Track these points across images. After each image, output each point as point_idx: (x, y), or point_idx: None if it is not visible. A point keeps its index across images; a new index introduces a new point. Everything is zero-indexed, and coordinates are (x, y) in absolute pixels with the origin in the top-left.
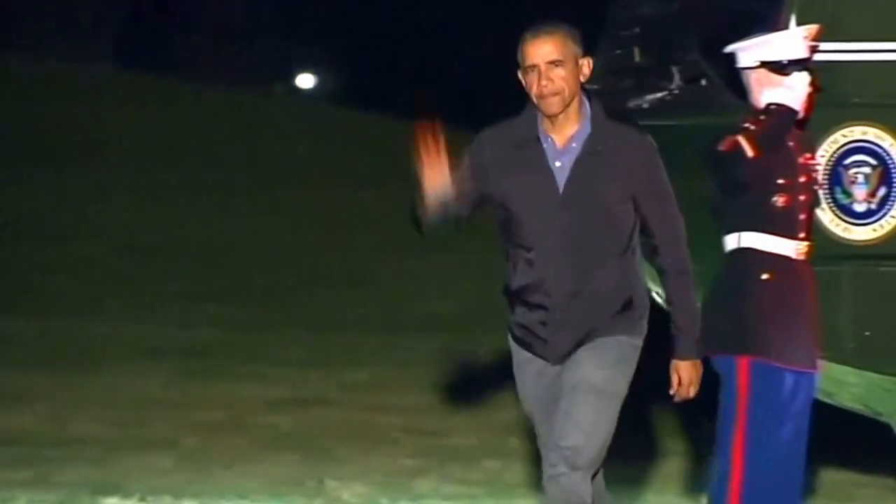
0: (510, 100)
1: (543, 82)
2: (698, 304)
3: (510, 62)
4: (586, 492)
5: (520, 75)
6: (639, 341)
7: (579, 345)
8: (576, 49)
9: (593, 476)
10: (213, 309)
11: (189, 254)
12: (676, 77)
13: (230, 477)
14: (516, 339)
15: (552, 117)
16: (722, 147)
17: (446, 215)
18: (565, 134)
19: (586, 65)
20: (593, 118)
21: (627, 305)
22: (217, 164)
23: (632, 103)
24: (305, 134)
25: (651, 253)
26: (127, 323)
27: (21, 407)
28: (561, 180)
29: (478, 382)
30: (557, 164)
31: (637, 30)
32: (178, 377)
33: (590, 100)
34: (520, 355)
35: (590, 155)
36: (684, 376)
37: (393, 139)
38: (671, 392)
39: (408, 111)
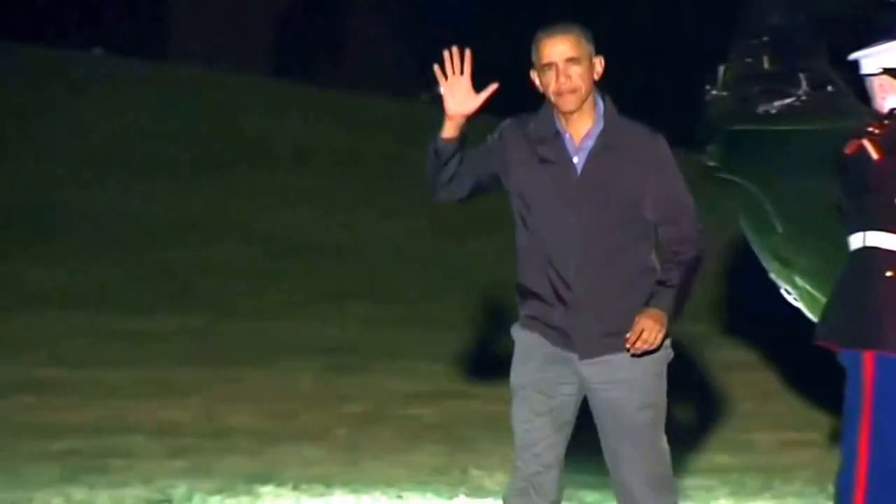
0: None
1: (561, 79)
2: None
3: None
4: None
5: (533, 75)
6: (669, 342)
7: (605, 339)
8: (590, 48)
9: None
10: (359, 307)
11: (336, 254)
12: (804, 83)
13: (378, 466)
14: (532, 329)
15: (568, 114)
16: (847, 150)
17: (460, 147)
18: (580, 130)
19: (599, 63)
20: (606, 115)
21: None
22: (359, 169)
23: (761, 109)
24: None
25: (660, 234)
26: (277, 321)
27: (179, 400)
28: (577, 174)
29: None
30: (574, 159)
31: (766, 38)
32: (326, 372)
33: (603, 98)
34: (531, 341)
35: (603, 150)
36: (646, 324)
37: None
38: (626, 336)
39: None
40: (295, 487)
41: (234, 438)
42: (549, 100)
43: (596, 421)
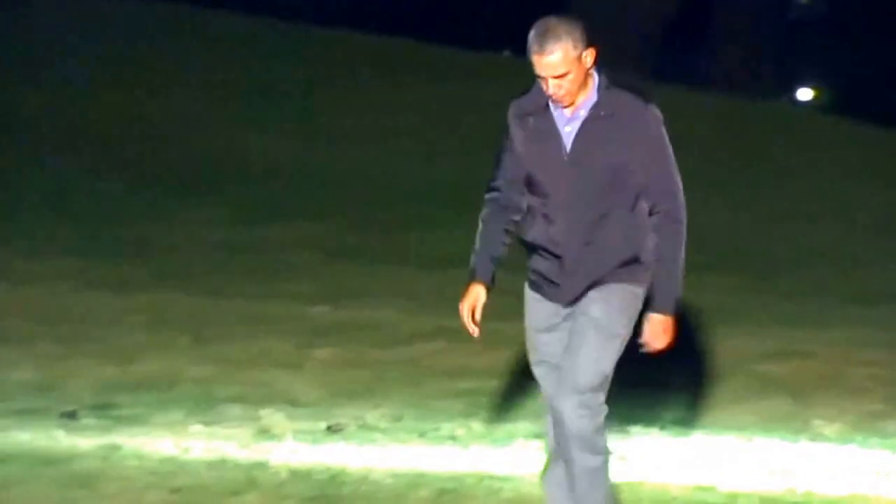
0: None
1: (552, 90)
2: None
3: None
4: (588, 417)
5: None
6: (641, 290)
7: (587, 290)
8: (578, 52)
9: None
10: (714, 277)
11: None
12: None
13: (731, 413)
14: (531, 283)
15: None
16: None
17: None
18: (574, 103)
19: (590, 55)
20: (599, 88)
21: (634, 259)
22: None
23: None
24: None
25: (649, 212)
26: None
27: None
28: (568, 143)
29: None
30: (567, 128)
31: None
32: (683, 330)
33: (599, 72)
34: (532, 296)
35: (595, 120)
36: (655, 329)
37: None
38: (639, 342)
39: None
40: (662, 428)
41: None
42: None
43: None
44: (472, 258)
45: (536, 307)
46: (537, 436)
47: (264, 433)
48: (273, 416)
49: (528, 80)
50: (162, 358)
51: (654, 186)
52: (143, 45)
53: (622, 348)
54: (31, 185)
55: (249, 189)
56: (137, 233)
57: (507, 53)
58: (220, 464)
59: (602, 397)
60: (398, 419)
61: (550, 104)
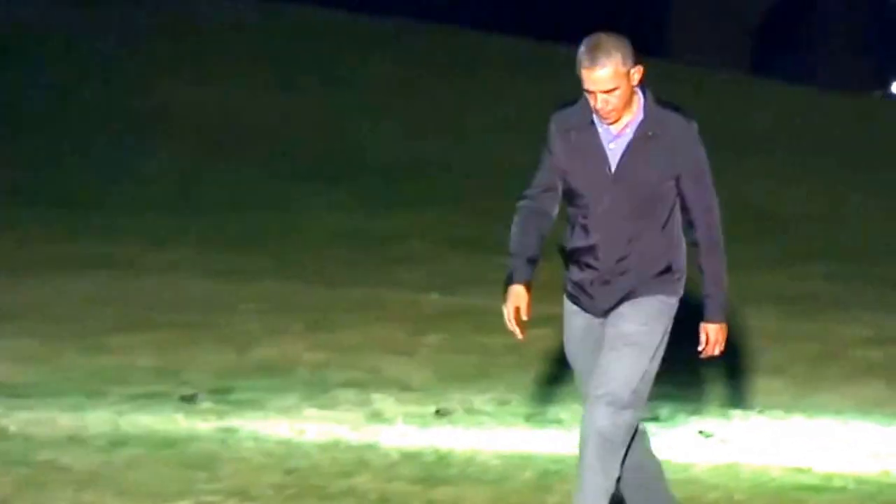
0: None
1: (600, 105)
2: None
3: None
4: (619, 427)
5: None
6: (674, 300)
7: (621, 302)
8: (627, 68)
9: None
10: (818, 266)
11: (806, 221)
12: None
13: (829, 398)
14: (569, 295)
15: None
16: None
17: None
18: (621, 122)
19: (637, 73)
20: (646, 107)
21: (667, 270)
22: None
23: None
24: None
25: (687, 226)
26: (749, 273)
27: None
28: (614, 160)
29: None
30: (612, 146)
31: None
32: (783, 317)
33: (644, 91)
34: (569, 308)
35: (641, 139)
36: (711, 336)
37: None
38: (699, 349)
39: None
40: (760, 412)
41: (713, 370)
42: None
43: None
44: (510, 262)
45: (573, 320)
46: (644, 419)
47: (375, 416)
48: (384, 401)
49: (651, 80)
50: (278, 344)
51: (694, 203)
52: (274, 45)
53: (660, 357)
54: (160, 177)
55: (370, 180)
56: (258, 223)
57: None
58: (333, 446)
59: (634, 414)
60: (505, 403)
61: (595, 120)
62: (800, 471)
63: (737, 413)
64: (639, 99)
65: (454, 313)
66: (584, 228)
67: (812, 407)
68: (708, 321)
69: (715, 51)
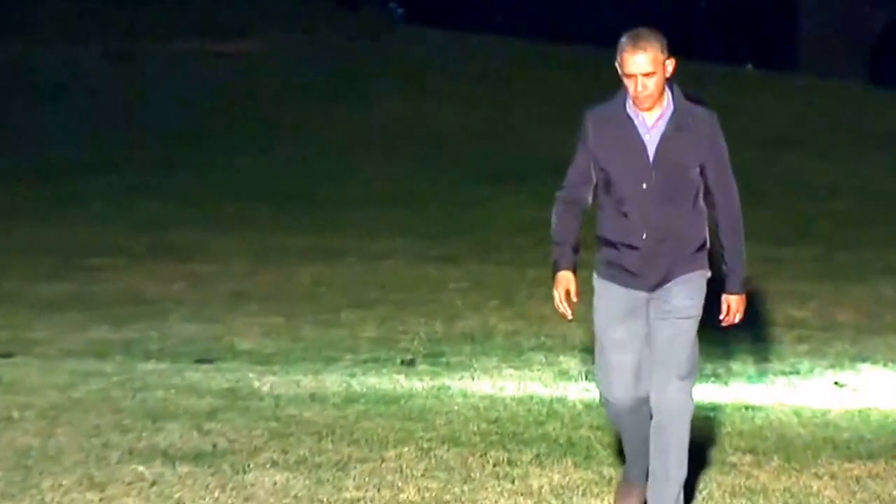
0: None
1: (639, 88)
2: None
3: None
4: (690, 398)
5: (617, 65)
6: (709, 272)
7: (666, 277)
8: (664, 57)
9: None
10: None
11: None
12: None
13: None
14: (606, 274)
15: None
16: None
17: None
18: (653, 114)
19: (671, 65)
20: (675, 101)
21: (702, 246)
22: None
23: None
24: None
25: (709, 208)
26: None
27: (801, 303)
28: (650, 150)
29: None
30: (647, 136)
31: None
32: None
33: (671, 86)
34: (611, 290)
35: (674, 130)
36: (733, 306)
37: None
38: (720, 318)
39: None
40: (884, 365)
41: (846, 330)
42: (625, 87)
43: (652, 325)
44: (555, 250)
45: (611, 297)
46: (786, 373)
47: (562, 374)
48: (570, 361)
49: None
50: (479, 316)
51: (717, 184)
52: (469, 70)
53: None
54: (376, 179)
55: (547, 179)
56: (460, 216)
57: (749, 67)
58: (528, 399)
59: (695, 363)
60: None
61: (630, 112)
62: None
63: (866, 366)
64: (668, 93)
65: None
66: (624, 214)
67: None
68: (730, 293)
69: (838, 63)
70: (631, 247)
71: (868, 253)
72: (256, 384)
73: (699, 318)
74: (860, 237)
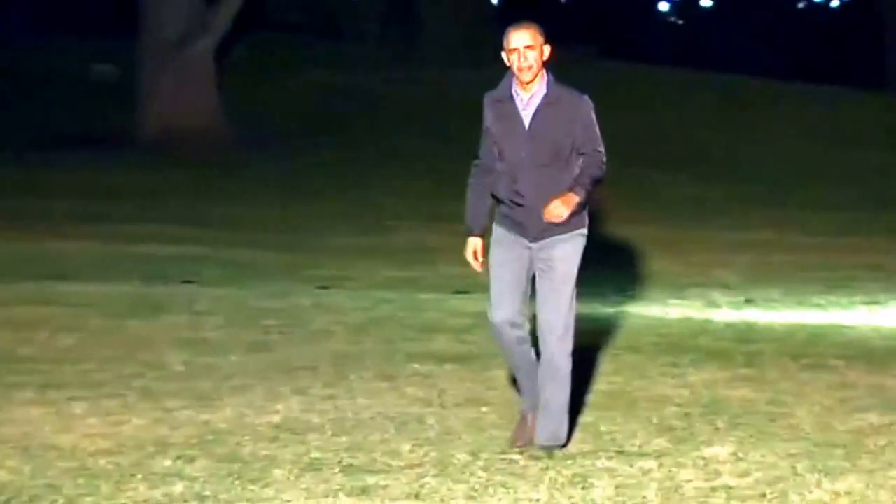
0: None
1: (521, 60)
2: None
3: None
4: (566, 357)
5: (503, 55)
6: (586, 230)
7: (544, 231)
8: (542, 39)
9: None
10: None
11: None
12: None
13: None
14: (503, 225)
15: (524, 83)
16: None
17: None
18: (531, 94)
19: (548, 50)
20: (548, 84)
21: (579, 208)
22: None
23: None
24: None
25: (581, 160)
26: None
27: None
28: (526, 122)
29: None
30: (524, 112)
31: None
32: None
33: (547, 72)
34: (505, 235)
35: (546, 106)
36: (560, 199)
37: None
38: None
39: None
40: None
41: None
42: (512, 72)
43: (536, 280)
44: (467, 215)
45: (503, 239)
46: (867, 303)
47: (710, 304)
48: (714, 294)
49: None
50: (671, 266)
51: (585, 144)
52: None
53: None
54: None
55: (708, 169)
56: (650, 199)
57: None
58: (686, 320)
59: (573, 321)
60: (788, 294)
61: (514, 93)
62: None
63: None
64: (544, 78)
65: (751, 244)
66: (512, 176)
67: None
68: (563, 193)
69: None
70: (516, 203)
71: None
72: None
73: (574, 275)
74: None
